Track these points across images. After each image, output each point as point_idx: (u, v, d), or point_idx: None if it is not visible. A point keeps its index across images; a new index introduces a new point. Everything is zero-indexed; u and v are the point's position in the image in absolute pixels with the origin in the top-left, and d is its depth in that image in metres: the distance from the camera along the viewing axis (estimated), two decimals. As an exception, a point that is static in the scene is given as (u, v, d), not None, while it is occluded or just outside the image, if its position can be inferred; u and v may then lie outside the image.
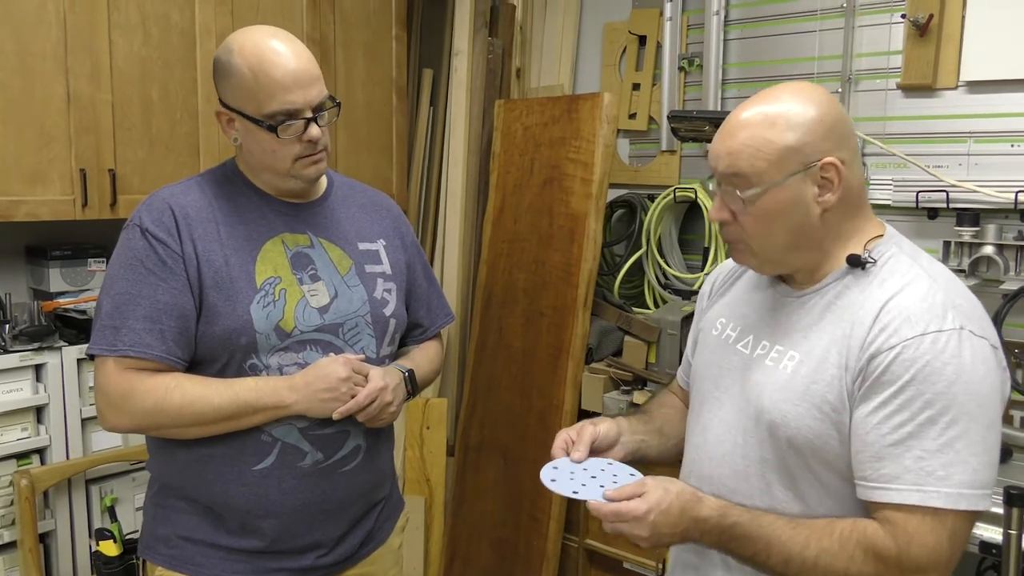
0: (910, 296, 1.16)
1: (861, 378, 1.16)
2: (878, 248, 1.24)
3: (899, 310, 1.15)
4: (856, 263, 1.23)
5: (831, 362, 1.19)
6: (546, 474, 1.31)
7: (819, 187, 1.20)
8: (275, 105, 1.44)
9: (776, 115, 1.20)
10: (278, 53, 1.44)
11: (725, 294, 1.46)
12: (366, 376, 1.51)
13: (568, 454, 1.36)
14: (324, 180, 1.68)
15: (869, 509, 1.17)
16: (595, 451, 1.38)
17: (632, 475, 1.31)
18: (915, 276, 1.19)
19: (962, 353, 1.12)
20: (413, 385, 1.64)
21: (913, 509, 1.11)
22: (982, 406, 1.12)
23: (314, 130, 1.48)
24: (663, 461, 1.50)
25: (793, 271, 1.30)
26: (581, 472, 1.32)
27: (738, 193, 1.21)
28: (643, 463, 1.44)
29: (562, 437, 1.39)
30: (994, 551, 1.79)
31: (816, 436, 1.19)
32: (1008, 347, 2.27)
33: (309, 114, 1.47)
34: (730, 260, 1.47)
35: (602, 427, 1.41)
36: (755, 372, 1.28)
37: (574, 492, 1.25)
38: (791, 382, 1.22)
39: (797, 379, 1.22)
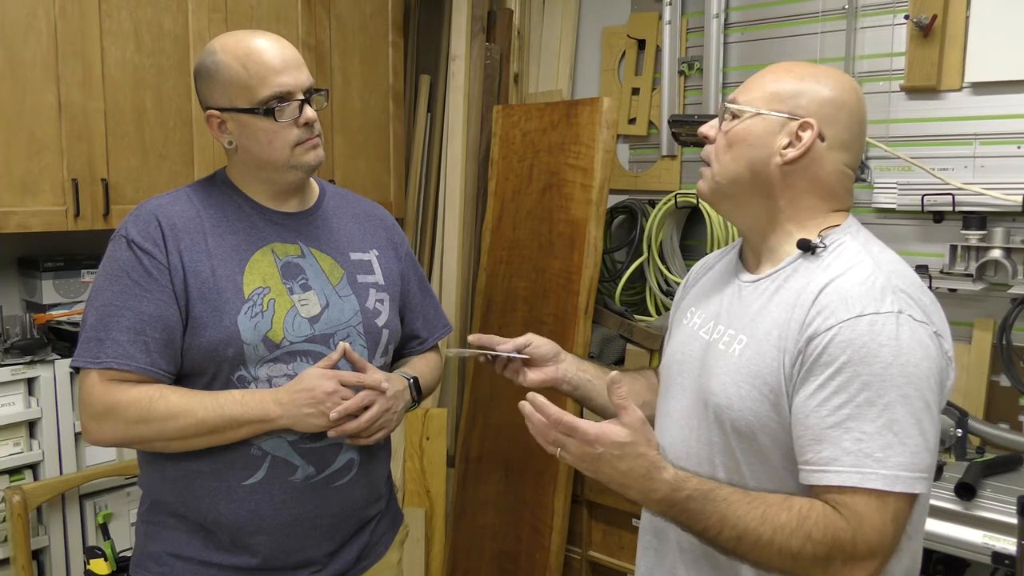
0: (850, 279, 1.18)
1: (800, 360, 1.17)
2: (831, 236, 1.26)
3: (837, 292, 1.17)
4: (806, 247, 1.25)
5: (771, 344, 1.21)
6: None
7: (790, 141, 1.25)
8: (268, 89, 1.45)
9: (800, 71, 1.30)
10: (262, 43, 1.48)
11: (696, 285, 1.50)
12: (356, 387, 1.48)
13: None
14: (316, 189, 1.65)
15: (812, 493, 1.16)
16: (527, 359, 1.50)
17: None
18: (859, 261, 1.21)
19: (900, 336, 1.12)
20: (417, 392, 1.62)
21: (855, 491, 1.11)
22: (919, 389, 1.12)
23: (309, 111, 1.49)
24: (605, 414, 1.50)
25: (744, 227, 1.34)
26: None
27: (726, 104, 1.31)
28: (584, 405, 1.58)
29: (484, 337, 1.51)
30: (1007, 562, 1.76)
31: (757, 417, 1.21)
32: (1017, 352, 2.23)
33: (302, 96, 1.48)
34: (708, 255, 1.56)
35: (539, 341, 1.52)
36: (710, 356, 1.31)
37: None
38: (737, 364, 1.24)
39: (743, 361, 1.24)
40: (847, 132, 1.27)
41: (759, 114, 1.27)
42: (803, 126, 1.24)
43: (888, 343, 1.11)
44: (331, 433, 1.45)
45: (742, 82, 1.37)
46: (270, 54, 1.46)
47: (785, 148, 1.25)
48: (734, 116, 1.30)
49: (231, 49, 1.47)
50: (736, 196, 1.31)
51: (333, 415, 1.43)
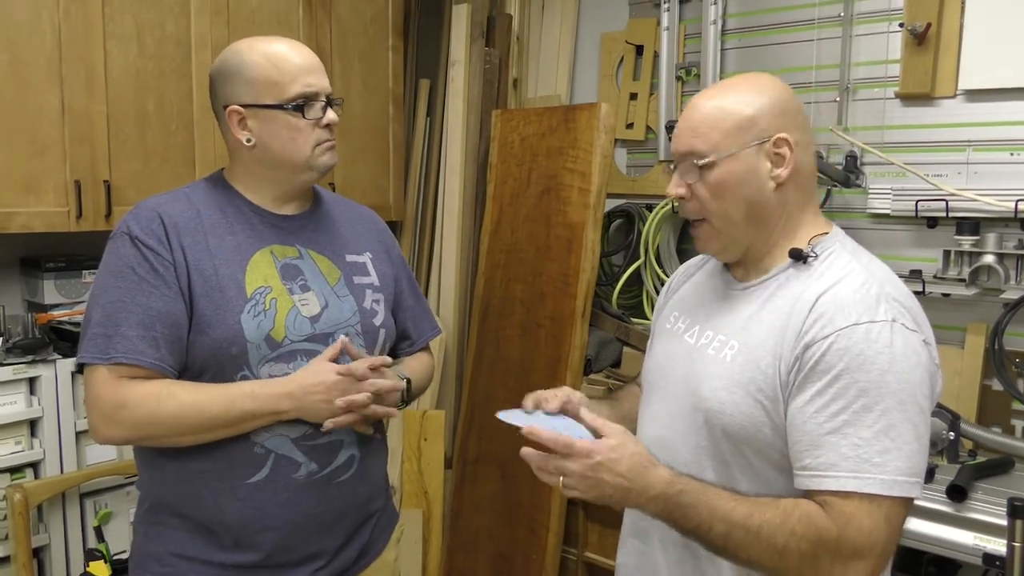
0: (845, 288, 1.20)
1: (797, 367, 1.19)
2: (821, 244, 1.28)
3: (833, 301, 1.19)
4: (798, 257, 1.27)
5: (766, 351, 1.22)
6: (504, 414, 1.33)
7: (772, 162, 1.26)
8: (298, 87, 1.49)
9: (732, 95, 1.28)
10: (287, 46, 1.53)
11: (679, 289, 1.51)
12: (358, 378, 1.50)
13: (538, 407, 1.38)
14: (311, 193, 1.67)
15: (809, 497, 1.18)
16: (565, 412, 1.38)
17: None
18: (852, 270, 1.23)
19: (894, 343, 1.15)
20: (408, 392, 1.63)
21: (850, 494, 1.13)
22: (913, 395, 1.15)
23: (331, 114, 1.53)
24: None
25: (742, 255, 1.34)
26: (541, 418, 1.33)
27: (694, 162, 1.27)
28: None
29: (534, 393, 1.39)
30: (997, 563, 1.78)
31: (749, 423, 1.22)
32: (1009, 356, 2.26)
33: (325, 99, 1.53)
34: (689, 261, 1.56)
35: (576, 394, 1.42)
36: (697, 361, 1.32)
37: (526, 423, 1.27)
38: (729, 370, 1.25)
39: (735, 367, 1.25)
40: (804, 124, 1.30)
41: (731, 155, 1.25)
42: (777, 143, 1.25)
43: (884, 351, 1.14)
44: (339, 406, 1.45)
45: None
46: (298, 56, 1.52)
47: (773, 171, 1.26)
48: (703, 168, 1.27)
49: (259, 50, 1.51)
50: (742, 238, 1.30)
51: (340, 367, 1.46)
